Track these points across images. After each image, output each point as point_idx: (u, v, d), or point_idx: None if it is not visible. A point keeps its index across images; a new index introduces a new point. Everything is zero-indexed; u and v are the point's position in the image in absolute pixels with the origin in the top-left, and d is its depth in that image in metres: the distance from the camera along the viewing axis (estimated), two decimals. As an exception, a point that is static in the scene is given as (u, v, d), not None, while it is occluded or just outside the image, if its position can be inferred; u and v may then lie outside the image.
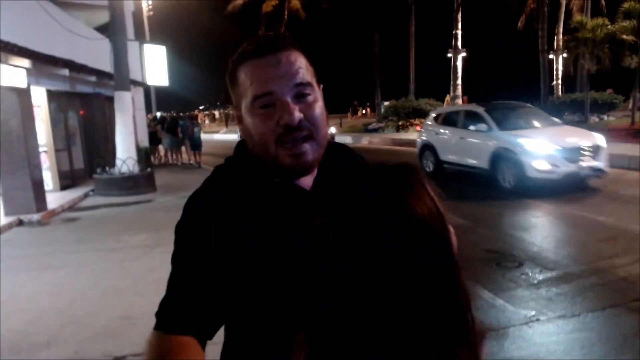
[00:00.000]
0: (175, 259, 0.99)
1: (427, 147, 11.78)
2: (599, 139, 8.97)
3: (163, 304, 0.97)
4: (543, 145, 8.58)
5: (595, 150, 8.70)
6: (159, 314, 0.96)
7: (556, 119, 10.83)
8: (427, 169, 11.49)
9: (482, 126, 9.73)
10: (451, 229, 0.73)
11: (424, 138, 12.03)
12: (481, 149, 9.70)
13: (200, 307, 0.94)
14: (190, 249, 0.97)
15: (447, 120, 11.40)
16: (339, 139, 18.04)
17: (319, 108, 1.01)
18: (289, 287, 0.94)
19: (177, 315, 0.94)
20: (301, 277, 0.89)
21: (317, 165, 1.05)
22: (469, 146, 10.21)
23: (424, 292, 0.65)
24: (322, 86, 1.08)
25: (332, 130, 15.04)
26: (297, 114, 0.96)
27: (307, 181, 1.05)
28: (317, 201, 1.00)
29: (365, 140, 21.43)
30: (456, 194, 8.77)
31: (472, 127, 10.00)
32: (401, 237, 0.64)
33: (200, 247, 0.95)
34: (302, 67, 1.00)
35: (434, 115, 12.23)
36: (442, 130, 11.34)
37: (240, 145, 1.10)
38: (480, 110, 10.22)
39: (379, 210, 0.66)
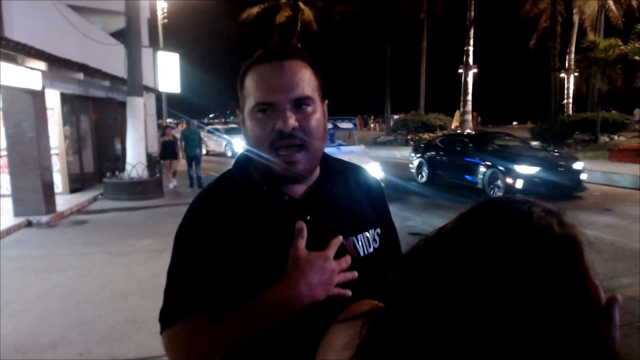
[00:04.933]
0: (178, 260, 1.08)
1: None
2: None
3: (175, 295, 1.06)
4: None
5: None
6: (175, 304, 1.05)
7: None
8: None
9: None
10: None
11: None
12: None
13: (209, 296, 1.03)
14: (192, 250, 1.06)
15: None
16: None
17: (315, 120, 1.04)
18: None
19: (197, 297, 1.03)
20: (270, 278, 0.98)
21: (311, 175, 1.11)
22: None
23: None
24: (326, 101, 1.12)
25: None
26: (292, 122, 0.99)
27: (299, 189, 1.10)
28: (306, 210, 1.06)
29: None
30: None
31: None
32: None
33: (200, 250, 1.04)
34: (304, 80, 1.03)
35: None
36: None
37: (240, 155, 1.16)
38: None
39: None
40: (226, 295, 1.00)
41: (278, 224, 1.04)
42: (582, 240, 0.61)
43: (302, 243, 0.96)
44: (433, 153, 12.63)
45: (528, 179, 9.61)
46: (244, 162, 1.14)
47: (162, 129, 14.31)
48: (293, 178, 1.06)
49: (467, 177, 11.10)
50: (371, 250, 1.13)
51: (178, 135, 13.50)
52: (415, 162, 13.24)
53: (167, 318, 1.04)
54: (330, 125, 10.48)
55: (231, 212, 1.05)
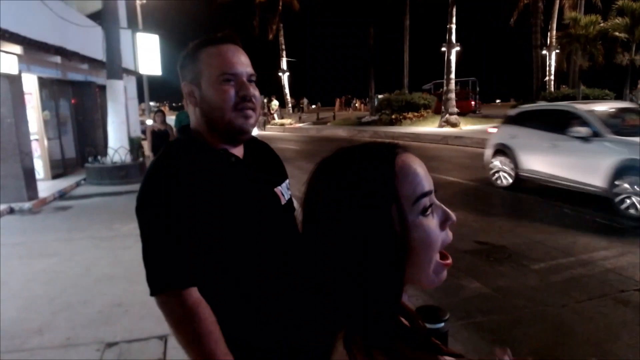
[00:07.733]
0: (164, 225, 1.22)
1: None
2: None
3: (167, 263, 1.20)
4: None
5: None
6: (170, 273, 1.19)
7: None
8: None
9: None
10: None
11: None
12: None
13: (200, 261, 1.21)
14: (175, 215, 1.20)
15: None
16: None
17: (258, 92, 1.36)
18: (256, 228, 1.27)
19: (191, 271, 1.19)
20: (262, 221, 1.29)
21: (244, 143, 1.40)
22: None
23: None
24: None
25: None
26: (252, 90, 1.31)
27: (238, 151, 1.37)
28: (251, 168, 1.37)
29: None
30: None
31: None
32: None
33: (186, 212, 1.19)
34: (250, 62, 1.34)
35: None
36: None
37: (185, 128, 1.39)
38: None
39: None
40: (216, 257, 1.22)
41: (236, 181, 1.30)
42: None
43: None
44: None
45: None
46: (190, 132, 1.36)
47: (154, 114, 10.74)
48: (247, 131, 1.33)
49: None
50: (288, 197, 1.44)
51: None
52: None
53: (164, 282, 1.20)
54: None
55: (203, 175, 1.24)
